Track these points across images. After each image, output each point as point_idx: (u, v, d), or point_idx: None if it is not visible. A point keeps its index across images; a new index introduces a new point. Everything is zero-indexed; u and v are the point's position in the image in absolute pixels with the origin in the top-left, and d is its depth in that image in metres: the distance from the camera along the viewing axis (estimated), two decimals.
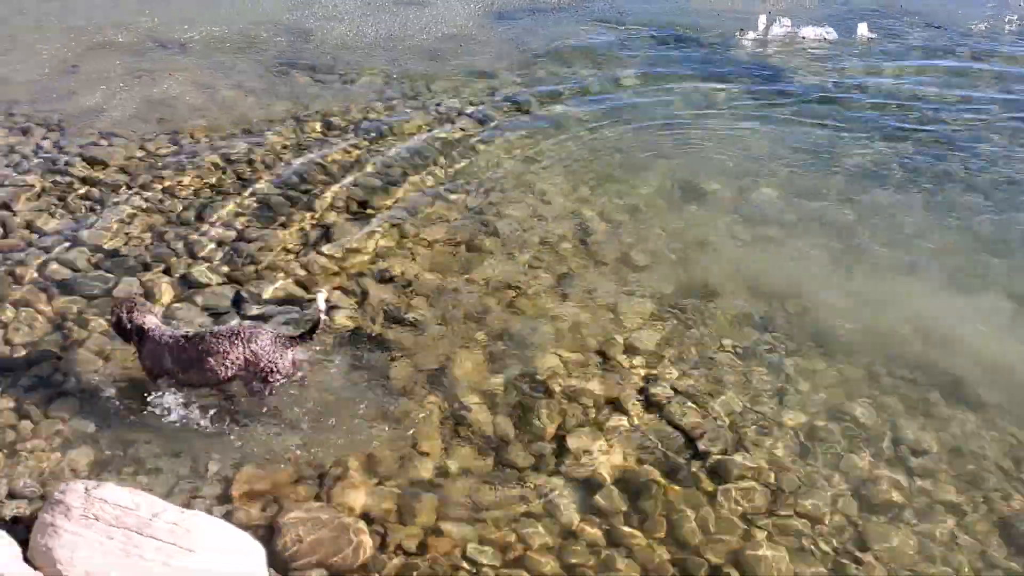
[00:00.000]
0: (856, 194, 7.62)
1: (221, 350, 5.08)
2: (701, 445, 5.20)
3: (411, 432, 5.20)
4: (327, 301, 5.33)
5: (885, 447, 5.25)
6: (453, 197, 7.41)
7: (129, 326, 5.25)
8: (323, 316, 5.23)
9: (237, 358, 5.09)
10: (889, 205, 7.47)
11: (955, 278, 6.64)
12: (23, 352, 5.56)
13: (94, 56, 9.63)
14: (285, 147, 8.01)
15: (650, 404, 5.47)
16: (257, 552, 4.23)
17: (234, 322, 5.58)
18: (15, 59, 9.44)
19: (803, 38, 10.76)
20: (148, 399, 5.17)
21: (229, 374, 5.14)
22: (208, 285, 6.24)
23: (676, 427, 5.33)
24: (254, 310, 6.05)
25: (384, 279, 6.46)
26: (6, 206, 6.96)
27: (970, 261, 6.86)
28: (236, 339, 5.11)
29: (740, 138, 8.44)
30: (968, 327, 6.11)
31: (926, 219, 7.29)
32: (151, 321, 5.31)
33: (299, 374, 5.35)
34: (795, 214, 7.35)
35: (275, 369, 5.16)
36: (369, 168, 7.73)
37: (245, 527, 4.43)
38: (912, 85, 9.60)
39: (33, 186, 7.24)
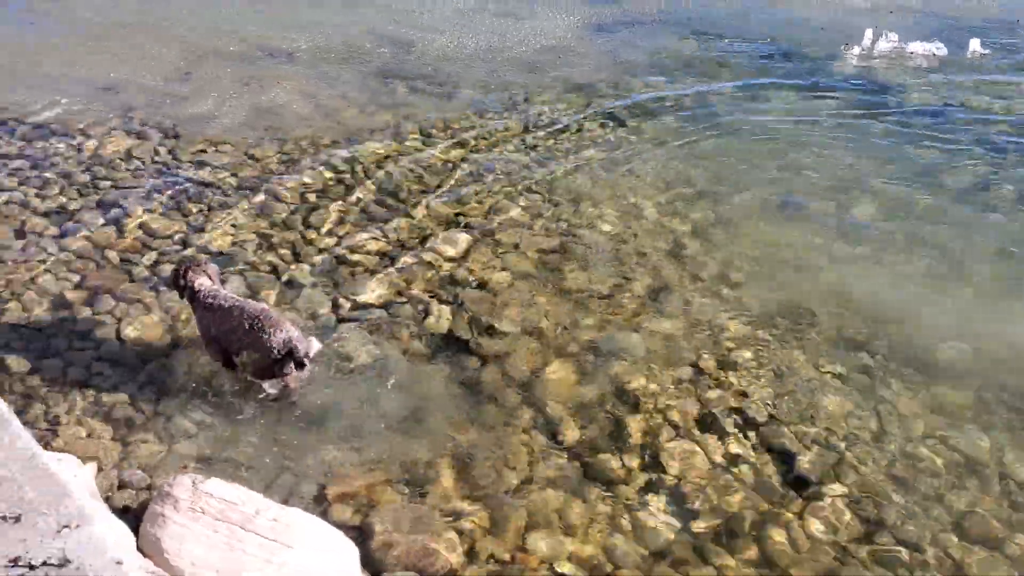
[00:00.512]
0: (962, 213, 7.38)
1: (258, 325, 5.15)
2: (795, 467, 5.11)
3: (501, 441, 5.25)
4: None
5: (990, 478, 5.06)
6: (547, 208, 7.45)
7: (182, 283, 5.50)
8: (306, 359, 5.18)
9: (272, 338, 5.12)
10: (996, 225, 7.21)
11: None
12: (135, 348, 5.82)
13: (207, 63, 10.02)
14: (385, 156, 8.18)
15: (744, 423, 5.40)
16: (351, 552, 4.33)
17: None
18: (134, 65, 9.89)
19: (911, 53, 10.47)
20: (251, 396, 5.36)
21: (261, 352, 5.15)
22: (308, 286, 6.42)
23: (770, 448, 5.25)
24: (350, 313, 6.21)
25: (477, 287, 6.55)
26: (122, 208, 7.29)
27: None
28: (272, 319, 5.21)
29: (842, 154, 8.26)
30: None
31: None
32: (204, 284, 5.47)
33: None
34: (898, 232, 7.16)
35: (305, 356, 5.16)
36: (465, 177, 7.85)
37: (339, 526, 4.54)
38: None
39: (148, 189, 7.58)
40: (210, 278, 5.59)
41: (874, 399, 5.59)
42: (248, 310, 5.31)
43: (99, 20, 11.07)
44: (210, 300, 5.40)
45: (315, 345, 5.36)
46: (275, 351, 5.16)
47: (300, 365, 5.26)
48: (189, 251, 6.77)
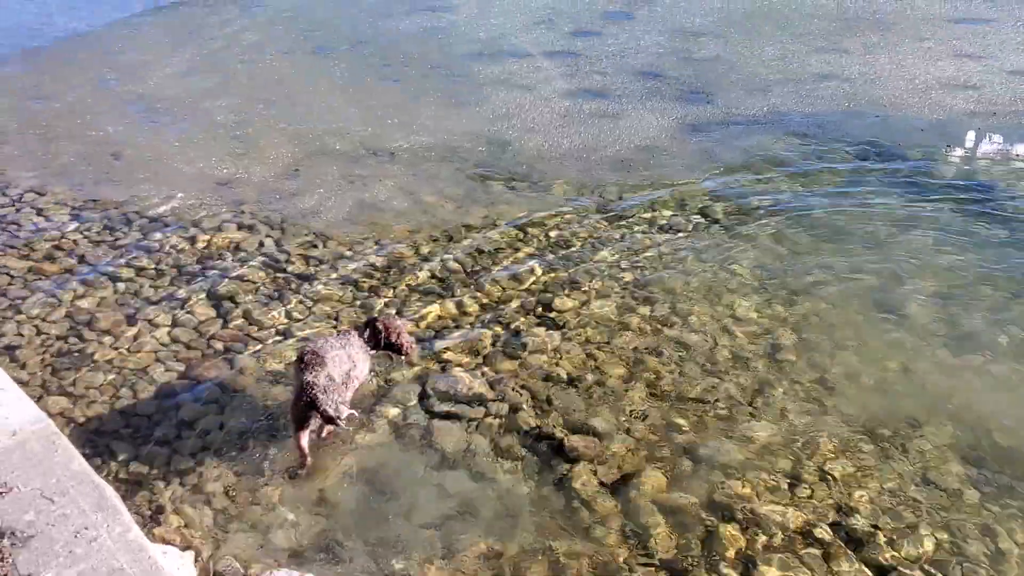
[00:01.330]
0: None
1: (302, 364, 5.54)
2: None
3: (593, 547, 5.16)
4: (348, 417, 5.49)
5: None
6: (640, 307, 7.44)
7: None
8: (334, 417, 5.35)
9: (304, 379, 5.44)
10: None
11: None
12: (238, 436, 5.99)
13: (314, 161, 10.48)
14: (480, 251, 8.34)
15: (846, 538, 5.19)
16: None
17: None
18: (247, 162, 10.42)
19: (1017, 155, 10.21)
20: (349, 489, 5.44)
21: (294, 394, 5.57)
22: (399, 382, 6.52)
23: (872, 565, 5.02)
24: (443, 408, 6.27)
25: (569, 384, 6.54)
26: (230, 299, 7.60)
27: None
28: (316, 359, 5.49)
29: (945, 259, 8.04)
30: None
31: None
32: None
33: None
34: (1006, 340, 6.89)
35: (330, 413, 5.35)
36: (557, 274, 7.92)
37: None
38: None
39: (254, 281, 7.89)
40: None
41: (986, 519, 5.30)
42: (309, 346, 5.68)
43: (221, 119, 11.74)
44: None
45: (345, 411, 5.41)
46: (301, 397, 5.38)
47: (328, 420, 5.39)
48: (290, 342, 6.98)
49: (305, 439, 5.57)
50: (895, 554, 5.09)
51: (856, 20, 15.50)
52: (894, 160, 10.23)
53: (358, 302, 7.58)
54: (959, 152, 10.32)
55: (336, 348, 5.72)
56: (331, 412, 5.31)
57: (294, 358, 5.87)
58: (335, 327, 7.17)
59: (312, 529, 5.26)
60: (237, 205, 9.33)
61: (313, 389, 5.34)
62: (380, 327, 6.02)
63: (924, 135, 10.83)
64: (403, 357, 6.28)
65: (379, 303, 7.54)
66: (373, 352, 6.07)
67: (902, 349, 6.85)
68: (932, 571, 4.98)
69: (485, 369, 6.72)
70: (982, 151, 10.30)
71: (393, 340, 6.02)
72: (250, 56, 14.60)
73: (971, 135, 10.46)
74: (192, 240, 8.64)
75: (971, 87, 12.37)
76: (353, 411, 5.57)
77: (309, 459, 5.63)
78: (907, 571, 4.98)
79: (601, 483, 5.63)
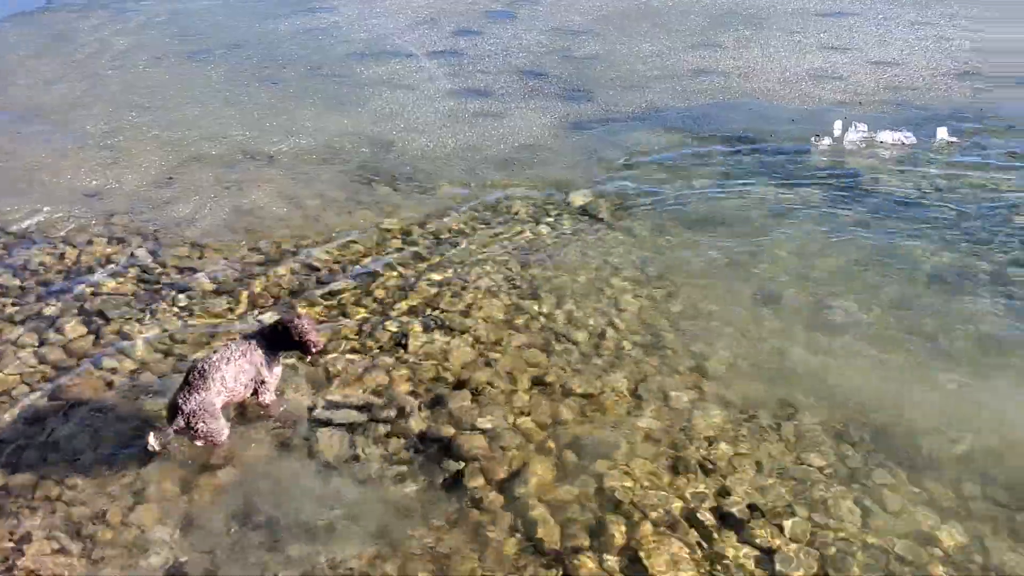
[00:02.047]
0: (940, 302, 7.41)
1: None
2: (778, 565, 5.01)
3: (481, 545, 5.15)
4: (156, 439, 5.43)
5: (974, 573, 4.96)
6: (527, 304, 7.48)
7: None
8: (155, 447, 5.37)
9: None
10: (976, 313, 7.25)
11: None
12: (110, 457, 5.74)
13: (189, 168, 10.17)
14: (364, 255, 8.24)
15: (725, 520, 5.32)
16: None
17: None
18: (117, 171, 10.03)
19: (881, 143, 10.68)
20: (224, 505, 5.28)
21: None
22: (283, 390, 6.37)
23: (752, 545, 5.16)
24: (329, 415, 6.16)
25: (457, 385, 6.51)
26: (101, 315, 7.29)
27: None
28: (197, 374, 5.62)
29: (816, 245, 8.35)
30: None
31: (1016, 329, 7.04)
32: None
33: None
34: (877, 322, 7.18)
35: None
36: (444, 274, 7.89)
37: None
38: (994, 190, 9.41)
39: (126, 295, 7.59)
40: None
41: (857, 494, 5.51)
42: (200, 362, 5.71)
43: (90, 128, 11.27)
44: None
45: (219, 433, 5.58)
46: (173, 415, 5.52)
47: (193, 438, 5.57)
48: (169, 360, 6.74)
49: (156, 441, 5.38)
50: (775, 534, 5.23)
51: (729, 15, 15.98)
52: (767, 150, 10.58)
53: (238, 312, 7.37)
54: (828, 140, 10.74)
55: (236, 359, 5.71)
56: (198, 434, 5.51)
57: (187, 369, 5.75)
58: (210, 343, 6.96)
59: (191, 549, 5.08)
60: (107, 217, 8.97)
61: (183, 409, 5.43)
62: (284, 327, 5.89)
63: (796, 125, 11.22)
64: (308, 357, 6.23)
65: (258, 312, 7.35)
66: (282, 353, 6.00)
67: (777, 333, 7.08)
68: (808, 548, 5.14)
69: (372, 373, 6.63)
70: (849, 139, 10.75)
71: (298, 340, 5.88)
72: (122, 62, 14.09)
73: (838, 124, 10.90)
74: (60, 256, 8.26)
75: (838, 78, 12.90)
76: (222, 432, 5.61)
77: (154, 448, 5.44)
78: (787, 549, 5.12)
79: (489, 481, 5.63)
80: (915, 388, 6.42)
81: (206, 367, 5.59)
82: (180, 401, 5.47)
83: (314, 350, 5.96)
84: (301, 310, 6.22)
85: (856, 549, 5.12)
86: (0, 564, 4.90)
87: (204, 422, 5.46)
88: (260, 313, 7.33)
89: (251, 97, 12.46)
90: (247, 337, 5.98)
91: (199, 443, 5.59)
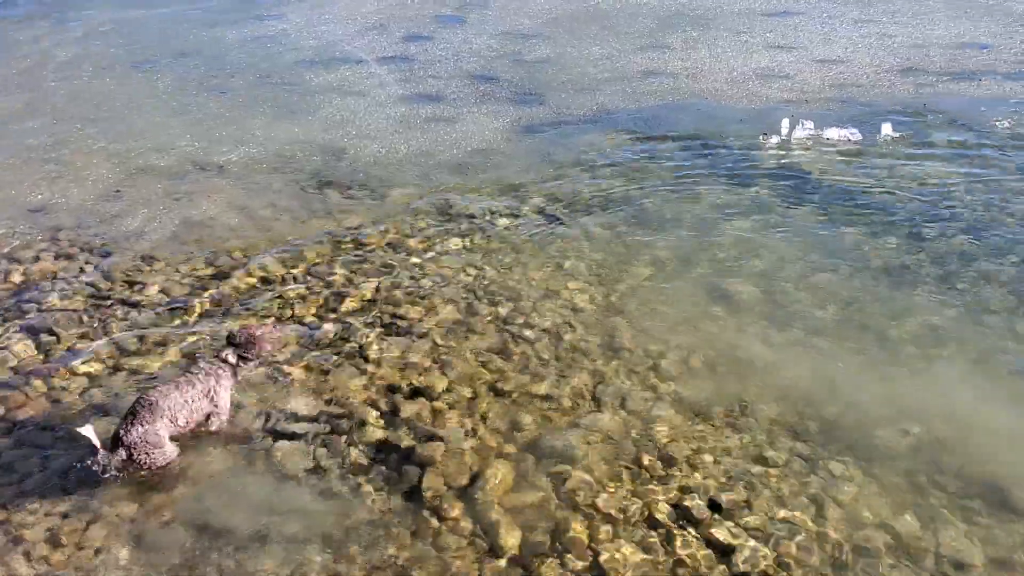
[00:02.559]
0: (887, 295, 7.56)
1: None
2: (738, 561, 5.07)
3: (441, 552, 5.14)
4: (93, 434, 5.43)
5: (927, 561, 5.06)
6: (483, 308, 7.48)
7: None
8: (97, 444, 5.35)
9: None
10: (922, 306, 7.40)
11: (995, 380, 6.52)
12: (61, 477, 5.63)
13: (137, 180, 10.02)
14: (317, 263, 8.18)
15: (685, 518, 5.37)
16: None
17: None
18: (63, 185, 9.85)
19: (827, 139, 10.86)
20: (180, 522, 5.21)
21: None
22: (238, 403, 6.30)
23: (711, 542, 5.21)
24: (285, 426, 6.10)
25: (413, 393, 6.49)
26: (49, 333, 7.14)
27: (1009, 362, 6.73)
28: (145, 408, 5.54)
29: (767, 241, 8.47)
30: (1014, 431, 5.96)
31: (962, 320, 7.20)
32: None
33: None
34: (827, 318, 7.30)
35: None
36: (400, 281, 7.86)
37: None
38: (938, 184, 9.62)
39: (75, 312, 7.45)
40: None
41: (813, 487, 5.60)
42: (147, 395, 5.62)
43: (33, 141, 11.05)
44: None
45: (160, 459, 5.53)
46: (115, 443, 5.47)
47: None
48: (120, 375, 6.63)
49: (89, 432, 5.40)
50: (733, 530, 5.29)
51: (677, 17, 16.14)
52: (717, 149, 10.70)
53: (189, 327, 7.28)
54: (775, 139, 10.89)
55: (188, 390, 5.67)
56: (140, 466, 5.48)
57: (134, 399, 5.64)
58: (161, 358, 6.85)
59: (147, 567, 5.00)
60: (54, 232, 8.80)
61: (123, 440, 5.43)
62: (241, 341, 5.91)
63: (744, 124, 11.37)
64: (268, 353, 6.23)
65: (210, 323, 7.26)
66: (243, 366, 5.97)
67: (731, 331, 7.16)
68: (765, 543, 5.20)
69: (329, 382, 6.58)
70: (796, 136, 10.92)
71: (257, 353, 5.96)
72: (65, 73, 13.84)
73: (786, 122, 11.06)
74: (5, 273, 8.08)
75: (784, 76, 13.09)
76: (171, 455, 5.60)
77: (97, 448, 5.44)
78: (745, 545, 5.18)
79: (449, 487, 5.61)
80: (865, 380, 6.54)
81: (155, 399, 5.52)
82: (122, 432, 5.41)
83: (273, 347, 6.13)
84: (256, 323, 6.14)
85: (813, 541, 5.20)
86: None
87: (146, 453, 5.41)
88: (215, 324, 7.24)
89: (199, 107, 12.31)
90: (209, 361, 5.92)
91: (142, 473, 5.50)
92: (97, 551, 5.10)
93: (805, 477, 5.68)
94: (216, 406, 5.83)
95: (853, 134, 10.95)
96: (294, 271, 8.04)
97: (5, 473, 5.69)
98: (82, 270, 8.10)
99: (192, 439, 5.83)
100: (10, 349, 6.96)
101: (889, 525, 5.28)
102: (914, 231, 8.57)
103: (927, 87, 12.56)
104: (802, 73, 13.21)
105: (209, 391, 5.77)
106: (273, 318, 7.33)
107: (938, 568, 5.03)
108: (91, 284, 7.89)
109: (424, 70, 13.72)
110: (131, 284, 7.87)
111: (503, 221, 8.99)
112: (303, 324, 7.28)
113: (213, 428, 5.90)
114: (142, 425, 5.42)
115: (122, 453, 5.39)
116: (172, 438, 5.63)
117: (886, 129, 11.01)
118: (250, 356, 5.92)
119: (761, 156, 10.49)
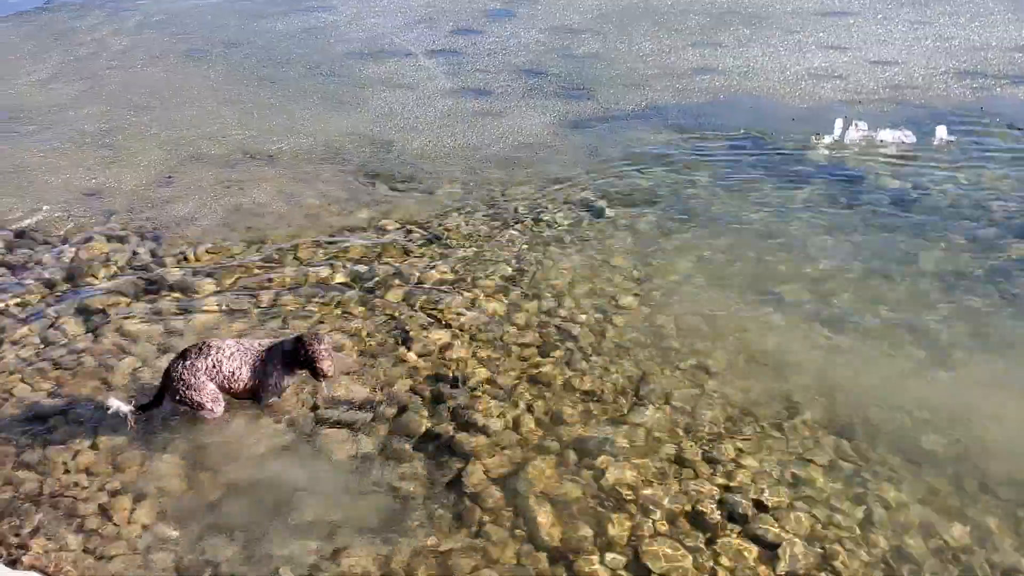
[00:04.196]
0: (939, 300, 7.41)
1: None
2: (782, 564, 5.01)
3: (482, 542, 5.15)
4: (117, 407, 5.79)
5: (976, 570, 4.96)
6: (526, 302, 7.47)
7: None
8: (126, 412, 5.76)
9: None
10: (975, 311, 7.24)
11: None
12: (110, 454, 5.74)
13: (189, 167, 10.16)
14: (364, 254, 8.23)
15: (729, 518, 5.32)
16: None
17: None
18: (116, 170, 10.02)
19: (881, 141, 10.66)
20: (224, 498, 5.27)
21: None
22: (285, 392, 6.35)
23: (756, 542, 5.16)
24: (330, 414, 6.16)
25: (456, 384, 6.51)
26: (101, 313, 7.28)
27: None
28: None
29: (818, 243, 8.34)
30: None
31: (1015, 326, 7.04)
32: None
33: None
34: (876, 321, 7.18)
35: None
36: (444, 273, 7.88)
37: None
38: (993, 188, 9.40)
39: (127, 294, 7.58)
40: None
41: (859, 490, 5.51)
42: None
43: (88, 127, 11.26)
44: None
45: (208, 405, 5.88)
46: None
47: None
48: (166, 356, 6.72)
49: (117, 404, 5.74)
50: (778, 530, 5.24)
51: (729, 14, 15.95)
52: (767, 149, 10.56)
53: (238, 312, 7.36)
54: (828, 139, 10.73)
55: (235, 356, 5.91)
56: (183, 402, 5.87)
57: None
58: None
59: (195, 546, 5.07)
60: (107, 216, 8.96)
61: (171, 374, 5.85)
62: (301, 346, 5.87)
63: (795, 124, 11.21)
64: (318, 380, 6.06)
65: (259, 310, 7.33)
66: (298, 369, 5.98)
67: (778, 331, 7.07)
68: (810, 545, 5.14)
69: (372, 372, 6.62)
70: (849, 138, 10.74)
71: (309, 361, 5.86)
72: (119, 62, 14.07)
73: (839, 123, 10.89)
74: (59, 255, 8.25)
75: (838, 76, 12.88)
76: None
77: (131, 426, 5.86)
78: (789, 545, 5.12)
79: (490, 479, 5.62)
80: (915, 384, 6.42)
81: (207, 347, 5.89)
82: (171, 366, 5.88)
83: (322, 376, 5.93)
84: (323, 333, 6.12)
85: (858, 545, 5.12)
86: (6, 559, 4.89)
87: (192, 390, 5.78)
88: (264, 315, 7.32)
89: (250, 96, 12.44)
90: (266, 347, 6.03)
91: (188, 412, 5.92)
92: (145, 527, 5.19)
93: (852, 480, 5.59)
94: (264, 384, 5.93)
95: (907, 136, 10.74)
96: (340, 261, 8.09)
97: (58, 448, 5.81)
98: (134, 253, 8.24)
99: (240, 418, 5.92)
100: (63, 329, 7.10)
101: (936, 531, 5.19)
102: (968, 236, 8.39)
103: (984, 90, 12.28)
104: (856, 74, 12.98)
105: (254, 366, 5.92)
106: (313, 312, 7.39)
107: (990, 573, 4.92)
108: (142, 267, 8.01)
109: (472, 64, 13.73)
110: (181, 269, 7.98)
111: (548, 216, 8.97)
112: (348, 314, 7.32)
113: (261, 405, 6.07)
114: (187, 360, 5.81)
115: (168, 385, 5.83)
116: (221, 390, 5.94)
117: (941, 132, 10.78)
118: (302, 361, 5.91)
119: (813, 156, 10.34)
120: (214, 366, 5.83)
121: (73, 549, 5.05)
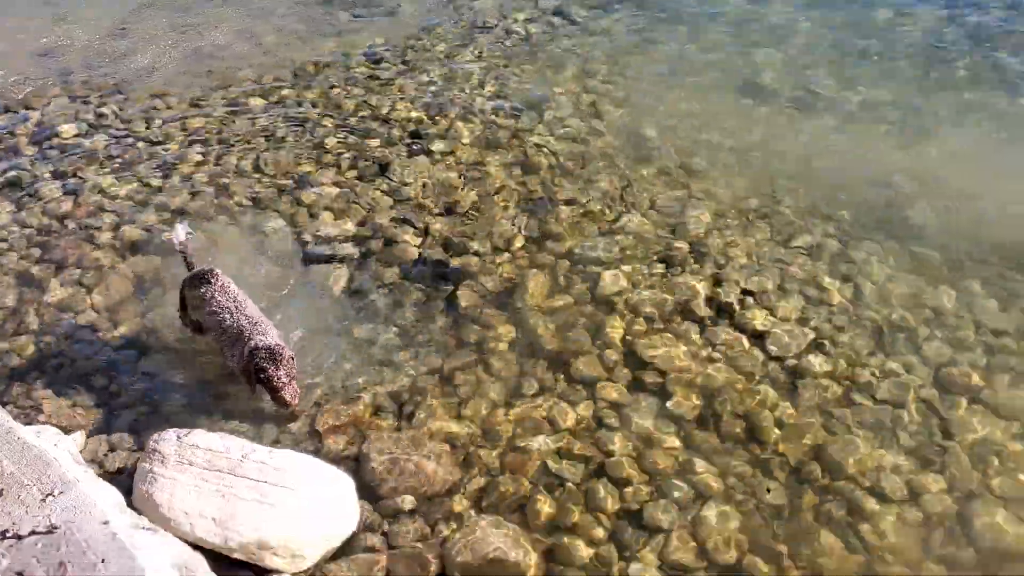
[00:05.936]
0: (919, 74, 7.29)
1: None
2: (773, 345, 5.16)
3: (483, 356, 5.28)
4: (187, 233, 5.36)
5: (964, 331, 5.12)
6: (505, 120, 7.34)
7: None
8: (179, 244, 5.24)
9: None
10: (954, 83, 7.13)
11: None
12: (107, 314, 5.78)
13: (141, 16, 9.72)
14: (333, 86, 8.01)
15: (719, 309, 5.44)
16: (347, 483, 4.39)
17: None
18: (66, 27, 9.58)
19: None
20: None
21: None
22: (272, 230, 6.33)
23: (747, 330, 5.29)
24: (317, 249, 6.15)
25: (445, 211, 6.48)
26: (76, 175, 7.14)
27: None
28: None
29: (792, 27, 8.11)
30: None
31: (991, 95, 6.94)
32: None
33: None
34: (856, 100, 7.10)
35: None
36: (419, 98, 7.70)
37: (332, 460, 4.59)
38: None
39: (98, 152, 7.42)
40: None
41: (846, 267, 5.61)
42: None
43: None
44: None
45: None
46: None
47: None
48: (150, 209, 6.65)
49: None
50: (766, 316, 5.36)
51: None
52: None
53: (208, 158, 7.21)
54: None
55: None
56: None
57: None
58: (190, 191, 6.84)
59: (200, 392, 5.18)
60: (64, 75, 8.64)
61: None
62: (260, 369, 4.67)
63: None
64: (278, 407, 4.87)
65: (233, 155, 7.20)
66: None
67: (761, 123, 7.01)
68: (800, 325, 5.28)
69: (357, 206, 6.57)
70: None
71: (268, 387, 4.70)
72: None
73: None
74: (23, 119, 8.00)
75: None
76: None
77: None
78: (778, 331, 5.26)
79: (485, 298, 5.70)
80: (897, 159, 6.44)
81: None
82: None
83: (283, 406, 4.80)
84: (289, 353, 5.05)
85: (847, 321, 5.26)
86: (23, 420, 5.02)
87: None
88: (233, 163, 7.18)
89: None
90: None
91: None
92: (157, 376, 5.28)
93: (838, 259, 5.69)
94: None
95: None
96: (309, 95, 7.88)
97: (57, 313, 5.83)
98: (99, 111, 8.00)
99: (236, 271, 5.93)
100: (38, 193, 6.98)
101: (925, 299, 5.32)
102: (949, 7, 8.14)
103: None
104: None
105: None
106: (288, 148, 7.25)
107: (979, 338, 5.08)
108: (108, 124, 7.80)
109: None
110: (148, 121, 7.77)
111: (519, 28, 8.67)
112: (324, 149, 7.19)
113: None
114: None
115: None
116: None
117: None
118: (261, 382, 4.73)
119: None
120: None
121: (84, 405, 5.13)
